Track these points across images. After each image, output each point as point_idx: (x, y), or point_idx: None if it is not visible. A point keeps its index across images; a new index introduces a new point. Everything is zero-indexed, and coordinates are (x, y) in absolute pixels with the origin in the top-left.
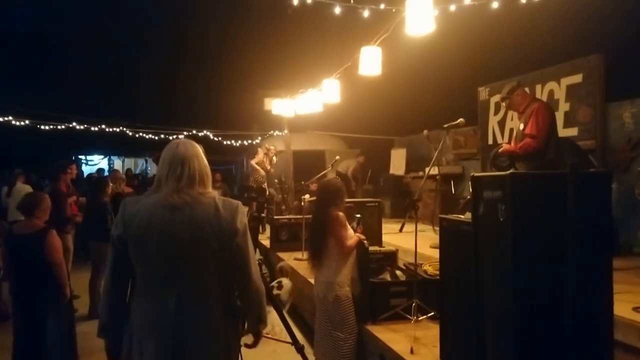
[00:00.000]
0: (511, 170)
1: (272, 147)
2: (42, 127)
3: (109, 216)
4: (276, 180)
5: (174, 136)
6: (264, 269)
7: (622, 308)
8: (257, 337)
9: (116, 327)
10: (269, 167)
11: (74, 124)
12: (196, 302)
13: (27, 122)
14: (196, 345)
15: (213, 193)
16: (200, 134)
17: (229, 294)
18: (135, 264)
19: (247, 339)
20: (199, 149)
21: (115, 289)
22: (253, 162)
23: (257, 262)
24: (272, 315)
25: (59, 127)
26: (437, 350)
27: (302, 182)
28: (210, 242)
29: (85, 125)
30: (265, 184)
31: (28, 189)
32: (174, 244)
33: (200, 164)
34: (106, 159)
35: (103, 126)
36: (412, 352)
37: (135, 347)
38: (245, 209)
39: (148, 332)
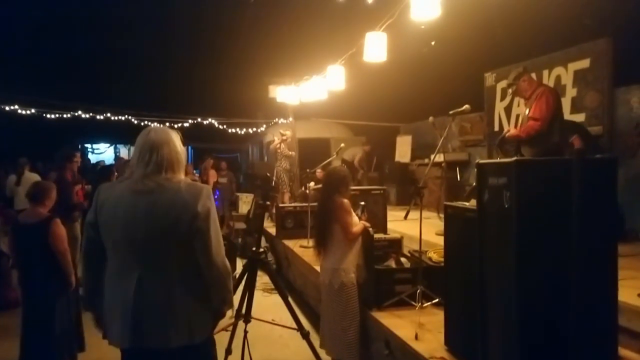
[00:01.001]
0: (516, 157)
1: (287, 133)
2: (48, 116)
3: None
4: (281, 168)
5: (179, 124)
6: (270, 257)
7: (627, 294)
8: (219, 318)
9: (94, 302)
10: (290, 153)
11: (80, 112)
12: (155, 285)
13: (33, 111)
14: (156, 327)
15: (179, 178)
16: (205, 122)
17: (194, 278)
18: (106, 247)
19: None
20: (172, 135)
21: (89, 269)
22: (274, 147)
23: (221, 245)
24: (278, 301)
25: (64, 115)
26: (442, 336)
27: (307, 170)
28: (171, 227)
29: (91, 114)
30: (285, 172)
31: (36, 177)
32: (137, 229)
33: (170, 150)
34: (112, 147)
35: (108, 114)
36: (416, 337)
37: (107, 325)
38: (252, 196)
39: (114, 312)
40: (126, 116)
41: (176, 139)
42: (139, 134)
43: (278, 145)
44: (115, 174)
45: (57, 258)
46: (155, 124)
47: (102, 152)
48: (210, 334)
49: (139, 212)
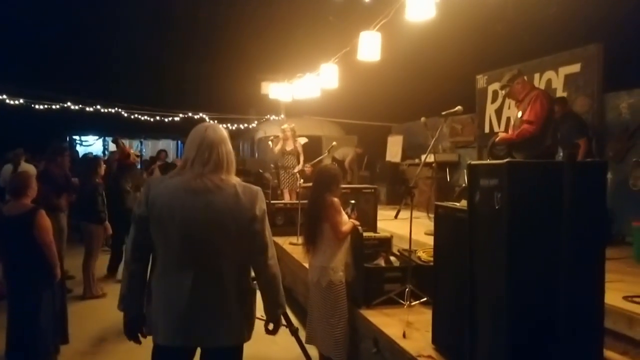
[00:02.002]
0: (508, 159)
1: (284, 127)
2: (37, 106)
3: (100, 198)
4: (272, 165)
5: (169, 118)
6: None
7: (613, 297)
8: (276, 323)
9: (133, 300)
10: (289, 149)
11: (69, 103)
12: (211, 284)
13: (21, 101)
14: (206, 327)
15: (235, 180)
16: (196, 117)
17: (244, 278)
18: (155, 243)
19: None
20: (226, 134)
21: (135, 263)
22: (276, 149)
23: (274, 247)
24: None
25: (53, 107)
26: (429, 335)
27: (298, 167)
28: (227, 228)
29: (80, 106)
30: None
31: (31, 167)
32: (192, 228)
33: (227, 149)
34: (101, 140)
35: (98, 107)
36: (404, 336)
37: (153, 323)
38: None
39: (162, 309)
40: (116, 109)
41: (228, 138)
42: (193, 129)
43: (283, 143)
44: (104, 166)
45: (42, 250)
46: (211, 121)
47: (91, 145)
48: (250, 336)
49: (196, 211)
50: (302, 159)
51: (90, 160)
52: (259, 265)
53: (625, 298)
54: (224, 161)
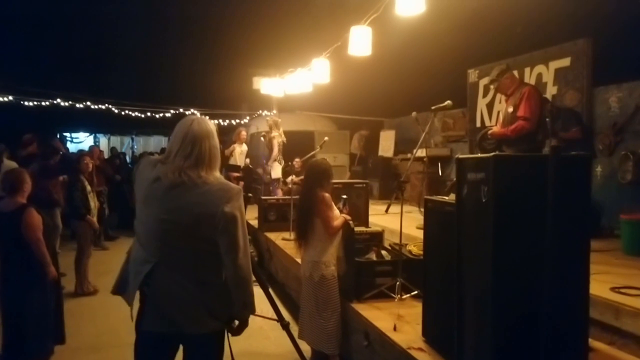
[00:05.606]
0: (495, 152)
1: (268, 119)
2: (26, 103)
3: (77, 193)
4: (264, 161)
5: (160, 114)
6: (251, 249)
7: (600, 288)
8: (242, 324)
9: (121, 289)
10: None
11: (59, 100)
12: (175, 275)
13: (10, 97)
14: (176, 314)
15: (214, 177)
16: (187, 112)
17: (213, 272)
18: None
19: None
20: (212, 128)
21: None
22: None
23: (247, 248)
24: (259, 292)
25: (43, 103)
26: (420, 328)
27: (289, 163)
28: (197, 224)
29: (70, 102)
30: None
31: (14, 164)
32: (163, 220)
33: (210, 144)
34: (91, 137)
35: (88, 103)
36: (395, 329)
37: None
38: None
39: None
40: (106, 105)
41: (215, 132)
42: (179, 121)
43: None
44: (87, 161)
45: (31, 247)
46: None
47: (82, 142)
48: (224, 326)
49: (170, 204)
50: (274, 153)
51: (78, 157)
52: (229, 265)
53: (613, 289)
54: (206, 156)
